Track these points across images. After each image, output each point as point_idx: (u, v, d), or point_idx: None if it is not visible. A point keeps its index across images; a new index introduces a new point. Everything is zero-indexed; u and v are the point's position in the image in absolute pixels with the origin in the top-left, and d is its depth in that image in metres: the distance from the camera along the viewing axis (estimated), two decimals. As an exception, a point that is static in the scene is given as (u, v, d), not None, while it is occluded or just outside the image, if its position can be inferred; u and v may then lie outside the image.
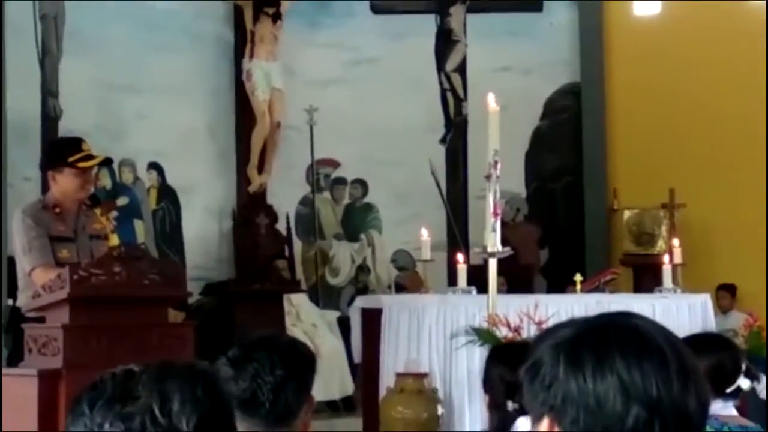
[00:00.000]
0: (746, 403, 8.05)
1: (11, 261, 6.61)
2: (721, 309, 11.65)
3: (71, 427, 1.55)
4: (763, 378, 8.38)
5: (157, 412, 1.51)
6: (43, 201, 6.08)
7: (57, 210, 5.90)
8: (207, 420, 1.53)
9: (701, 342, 3.90)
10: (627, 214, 13.10)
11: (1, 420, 4.63)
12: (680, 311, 8.80)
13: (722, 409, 4.07)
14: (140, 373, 1.56)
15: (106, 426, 1.51)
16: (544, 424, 1.72)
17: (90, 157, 5.98)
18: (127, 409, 1.51)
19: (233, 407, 1.64)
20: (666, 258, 9.81)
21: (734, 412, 4.15)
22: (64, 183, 5.92)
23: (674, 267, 9.62)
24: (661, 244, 12.35)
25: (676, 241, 10.49)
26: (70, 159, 5.91)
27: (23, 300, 5.65)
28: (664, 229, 12.71)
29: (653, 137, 13.00)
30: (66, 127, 10.51)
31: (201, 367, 1.64)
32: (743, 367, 4.08)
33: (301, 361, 2.97)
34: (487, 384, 3.92)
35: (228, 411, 1.60)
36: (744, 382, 4.06)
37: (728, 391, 3.96)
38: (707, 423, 3.90)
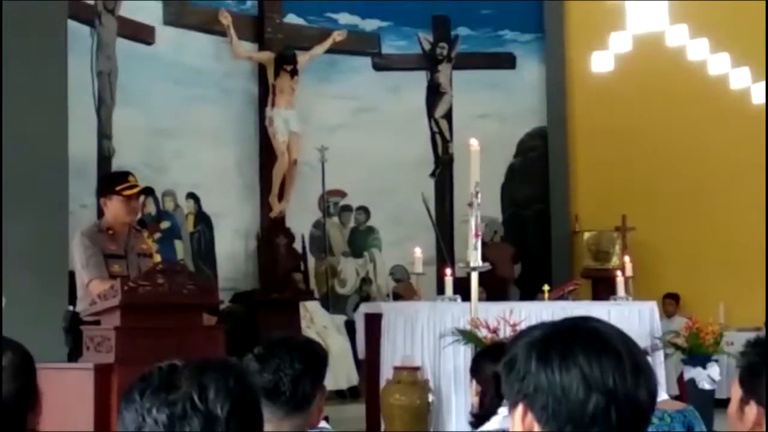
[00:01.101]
0: (686, 390, 8.06)
1: (71, 274, 6.59)
2: (667, 314, 11.65)
3: (124, 412, 1.54)
4: (701, 371, 8.38)
5: (196, 399, 1.50)
6: (99, 225, 6.07)
7: (110, 232, 5.90)
8: (238, 406, 1.52)
9: None
10: (586, 235, 13.11)
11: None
12: (631, 316, 8.77)
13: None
14: (182, 367, 1.56)
15: (154, 411, 1.50)
16: (519, 410, 1.71)
17: (134, 186, 5.98)
18: (171, 396, 1.51)
19: (259, 396, 1.62)
20: (619, 272, 9.78)
21: (665, 395, 4.12)
22: (114, 208, 5.92)
23: (626, 279, 9.58)
24: (615, 261, 12.34)
25: (627, 258, 10.46)
26: (118, 188, 5.92)
27: (81, 306, 5.64)
28: (617, 248, 12.72)
29: (608, 172, 13.01)
30: (118, 164, 10.50)
31: (232, 362, 1.63)
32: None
33: (315, 357, 2.96)
34: (479, 375, 3.88)
35: (255, 399, 1.59)
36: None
37: None
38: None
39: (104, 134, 10.90)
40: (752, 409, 2.17)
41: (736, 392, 2.22)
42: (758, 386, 2.16)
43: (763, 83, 10.95)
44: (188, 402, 1.50)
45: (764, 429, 2.15)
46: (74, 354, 5.44)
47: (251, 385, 1.59)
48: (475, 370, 3.99)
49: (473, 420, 3.82)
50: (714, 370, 8.35)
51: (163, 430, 1.49)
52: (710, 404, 7.89)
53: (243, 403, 1.53)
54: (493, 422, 3.78)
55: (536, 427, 1.68)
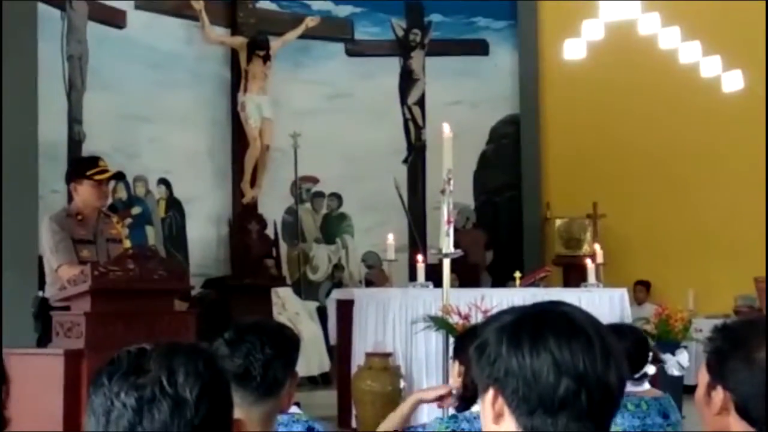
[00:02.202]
0: (657, 376, 8.10)
1: (41, 260, 6.55)
2: (638, 301, 11.73)
3: (93, 396, 1.53)
4: (670, 357, 8.43)
5: (165, 383, 1.49)
6: (68, 209, 6.02)
7: (79, 217, 5.85)
8: (207, 390, 1.51)
9: (613, 331, 3.87)
10: (558, 222, 13.16)
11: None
12: (602, 302, 8.82)
13: (633, 385, 4.06)
14: (151, 351, 1.55)
15: (122, 395, 1.49)
16: (490, 394, 1.71)
17: (104, 171, 5.93)
18: (140, 380, 1.50)
19: (229, 380, 1.62)
20: (590, 259, 9.83)
21: (646, 386, 4.15)
22: (84, 193, 5.87)
23: (597, 266, 9.63)
24: (585, 248, 12.40)
25: (598, 245, 10.51)
26: (88, 173, 5.87)
27: (51, 292, 5.60)
28: (588, 235, 12.78)
29: (580, 159, 13.07)
30: (88, 149, 10.44)
31: (202, 346, 1.62)
32: (650, 355, 4.05)
33: (286, 342, 2.94)
34: (462, 356, 3.88)
35: (225, 383, 1.59)
36: (650, 368, 4.05)
37: (636, 376, 3.95)
38: (628, 401, 3.91)
39: (75, 119, 10.83)
40: (719, 395, 2.18)
41: (703, 378, 2.24)
42: (725, 372, 2.18)
43: (735, 72, 11.02)
44: (157, 386, 1.49)
45: (730, 413, 2.17)
46: (44, 340, 5.40)
47: (221, 369, 1.59)
48: (459, 351, 3.99)
49: (459, 403, 3.82)
50: (683, 356, 8.39)
51: (132, 414, 1.48)
52: (679, 390, 7.94)
53: (212, 386, 1.52)
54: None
55: (507, 411, 1.68)
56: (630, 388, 3.99)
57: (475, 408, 3.86)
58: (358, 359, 8.31)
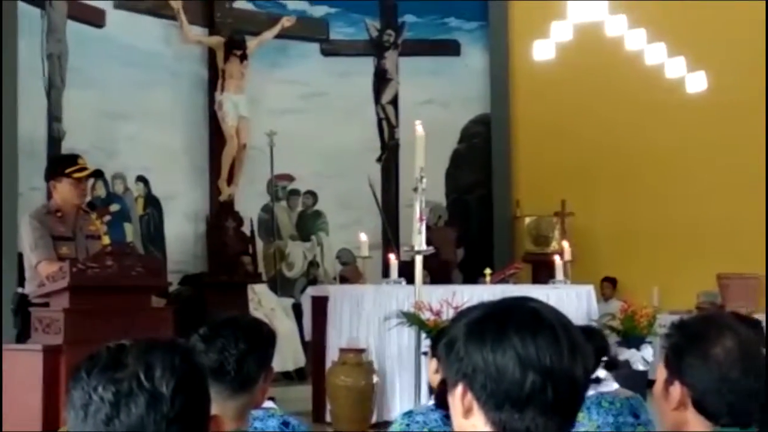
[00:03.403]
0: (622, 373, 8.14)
1: (20, 256, 6.52)
2: (604, 297, 11.78)
3: (72, 390, 1.53)
4: (635, 352, 8.50)
5: (142, 377, 1.49)
6: (47, 206, 6.00)
7: (58, 214, 5.83)
8: (183, 385, 1.51)
9: None
10: (527, 220, 13.20)
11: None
12: (569, 298, 8.88)
13: (606, 386, 4.10)
14: (129, 346, 1.54)
15: (100, 389, 1.49)
16: (459, 389, 1.71)
17: (83, 169, 5.91)
18: (118, 374, 1.50)
19: (206, 375, 1.63)
20: (558, 256, 9.89)
21: (615, 385, 4.18)
22: (63, 191, 5.85)
23: (565, 263, 9.70)
24: (554, 245, 12.44)
25: (566, 243, 10.58)
26: (67, 171, 5.85)
27: (30, 288, 5.57)
28: (557, 233, 12.82)
29: (549, 158, 13.11)
30: (68, 147, 10.38)
31: (180, 342, 1.62)
32: (603, 359, 4.07)
33: (261, 337, 2.93)
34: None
35: (202, 378, 1.58)
36: (601, 372, 4.06)
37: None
38: (602, 398, 3.94)
39: (54, 116, 10.77)
40: (676, 389, 2.20)
41: (661, 373, 2.25)
42: (682, 367, 2.20)
43: (699, 73, 11.10)
44: (134, 380, 1.49)
45: (688, 408, 2.19)
46: (23, 336, 5.38)
47: (198, 365, 1.58)
48: (436, 348, 3.99)
49: (438, 402, 3.80)
50: (647, 351, 8.47)
51: (109, 408, 1.48)
52: (643, 384, 7.99)
53: (189, 381, 1.53)
54: None
55: (476, 406, 1.68)
56: (602, 388, 4.04)
57: (426, 401, 3.89)
58: (332, 355, 8.32)
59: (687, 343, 2.20)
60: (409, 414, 3.78)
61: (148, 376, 1.49)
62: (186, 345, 1.62)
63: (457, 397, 1.71)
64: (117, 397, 1.48)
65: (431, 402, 3.87)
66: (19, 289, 5.87)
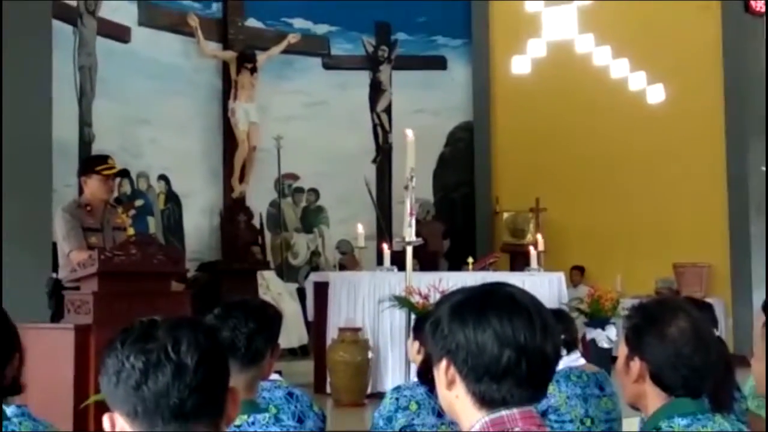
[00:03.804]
0: (588, 349, 8.17)
1: (54, 245, 6.50)
2: (573, 283, 11.79)
3: (106, 358, 1.54)
4: (600, 332, 8.49)
5: (170, 349, 1.50)
6: (78, 201, 5.98)
7: (88, 208, 5.81)
8: (205, 358, 1.51)
9: None
10: (505, 215, 13.22)
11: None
12: (542, 284, 8.89)
13: (575, 361, 4.10)
14: (160, 322, 1.55)
15: (131, 358, 1.50)
16: (443, 364, 1.72)
17: (111, 168, 5.90)
18: (148, 346, 1.50)
19: (226, 351, 1.63)
20: (532, 247, 9.89)
21: (583, 361, 4.19)
22: (93, 186, 5.83)
23: (538, 253, 9.69)
24: (529, 237, 12.44)
25: (540, 235, 10.57)
26: (97, 168, 5.83)
27: (63, 274, 5.56)
28: (531, 226, 12.83)
29: (525, 160, 13.12)
30: (97, 149, 10.36)
31: (204, 321, 1.63)
32: (562, 337, 4.04)
33: (268, 318, 2.93)
34: (421, 336, 3.86)
35: (222, 353, 1.59)
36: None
37: None
38: (571, 372, 3.95)
39: (85, 122, 10.75)
40: (636, 364, 2.21)
41: (622, 350, 2.26)
42: (641, 345, 2.20)
43: (658, 85, 11.11)
44: (162, 352, 1.49)
45: (646, 381, 2.20)
46: (56, 316, 5.36)
47: (219, 342, 1.59)
48: (418, 331, 3.98)
49: (420, 379, 3.78)
50: (611, 331, 8.47)
51: (139, 375, 1.49)
52: (608, 361, 8.01)
53: (211, 356, 1.53)
54: None
55: (458, 379, 1.69)
56: (571, 363, 4.04)
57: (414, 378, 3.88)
58: (332, 333, 8.32)
59: (645, 323, 2.21)
60: (397, 389, 3.78)
61: (175, 349, 1.50)
62: (209, 324, 1.62)
63: (441, 371, 1.72)
64: (146, 365, 1.49)
65: (416, 378, 3.86)
66: (53, 275, 5.85)
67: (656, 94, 11.12)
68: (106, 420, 1.53)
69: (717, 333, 3.19)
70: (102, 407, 1.55)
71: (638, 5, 12.06)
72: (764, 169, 12.01)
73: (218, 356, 1.56)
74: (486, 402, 1.67)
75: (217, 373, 1.55)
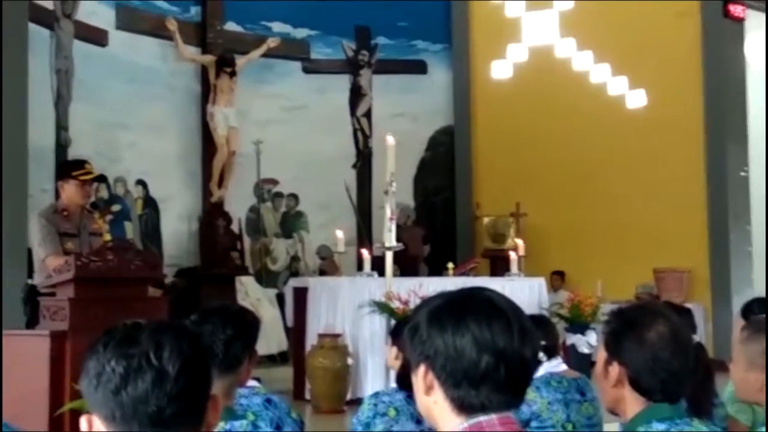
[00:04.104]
0: (568, 354, 8.20)
1: (30, 251, 6.45)
2: (554, 288, 11.81)
3: (88, 360, 1.52)
4: (580, 337, 8.52)
5: (152, 356, 1.49)
6: (55, 206, 5.94)
7: (65, 213, 5.78)
8: (188, 366, 1.50)
9: None
10: (486, 220, 13.23)
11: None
12: (523, 290, 8.90)
13: (555, 367, 4.11)
14: (144, 326, 1.54)
15: (113, 362, 1.49)
16: (421, 369, 1.72)
17: (89, 173, 5.86)
18: (130, 350, 1.49)
19: (210, 359, 1.61)
20: (513, 252, 9.90)
21: (564, 366, 4.20)
22: (69, 192, 5.80)
23: (519, 258, 9.71)
24: (509, 242, 12.44)
25: (520, 240, 10.59)
26: (74, 174, 5.80)
27: (38, 279, 5.52)
28: (512, 231, 12.84)
29: (505, 165, 13.16)
30: (74, 154, 10.28)
31: (189, 327, 1.61)
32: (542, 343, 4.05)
33: (246, 324, 2.92)
34: (400, 341, 3.85)
35: (205, 361, 1.57)
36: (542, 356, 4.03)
37: None
38: (552, 378, 3.97)
39: (62, 126, 10.68)
40: (614, 369, 2.22)
41: (601, 355, 2.27)
42: (619, 349, 2.21)
43: (639, 90, 11.17)
44: (144, 358, 1.48)
45: (624, 385, 2.21)
46: (32, 322, 5.33)
47: (203, 350, 1.57)
48: (396, 337, 3.98)
49: (399, 384, 3.78)
50: (591, 336, 8.50)
51: (119, 380, 1.48)
52: (588, 366, 8.03)
53: (193, 364, 1.52)
54: None
55: (436, 384, 1.69)
56: (552, 369, 4.05)
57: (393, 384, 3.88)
58: (311, 339, 8.30)
59: (624, 328, 2.22)
60: (376, 395, 3.78)
61: (157, 356, 1.49)
62: (195, 331, 1.61)
63: (419, 376, 1.72)
64: (127, 370, 1.48)
65: (395, 384, 3.87)
66: (29, 281, 5.81)
67: (636, 99, 11.18)
68: (83, 421, 1.53)
69: (696, 338, 3.21)
70: (77, 414, 1.54)
71: (619, 11, 12.13)
72: (743, 174, 12.12)
73: (201, 364, 1.54)
74: (464, 407, 1.67)
75: (199, 381, 1.53)
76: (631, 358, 2.18)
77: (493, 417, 1.66)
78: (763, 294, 4.31)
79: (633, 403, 2.18)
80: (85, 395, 1.53)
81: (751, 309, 3.81)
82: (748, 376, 2.65)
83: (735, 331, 3.18)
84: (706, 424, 2.21)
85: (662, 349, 2.16)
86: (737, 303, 9.81)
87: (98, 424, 1.51)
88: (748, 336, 2.68)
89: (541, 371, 3.99)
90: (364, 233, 11.69)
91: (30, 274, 6.14)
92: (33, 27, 10.01)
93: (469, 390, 1.66)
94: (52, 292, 5.08)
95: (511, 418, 1.68)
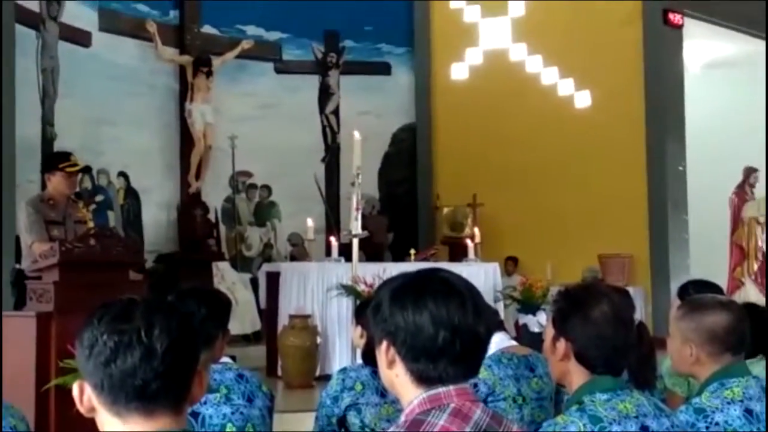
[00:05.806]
0: (520, 333, 8.25)
1: (18, 237, 6.37)
2: (508, 273, 11.86)
3: (84, 332, 1.52)
4: (531, 317, 8.56)
5: (142, 333, 1.48)
6: (42, 195, 5.90)
7: (51, 202, 5.74)
8: (175, 345, 1.49)
9: None
10: (445, 210, 13.26)
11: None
12: (479, 274, 8.93)
13: (504, 343, 4.12)
14: (138, 303, 1.53)
15: (105, 335, 1.48)
16: (383, 345, 1.72)
17: (74, 165, 5.82)
18: (122, 326, 1.48)
19: (198, 339, 1.59)
20: (470, 240, 9.94)
21: (514, 343, 4.21)
22: (56, 182, 5.76)
23: (475, 245, 9.75)
24: (467, 230, 12.50)
25: (476, 229, 10.64)
26: (60, 165, 5.77)
27: (25, 264, 5.48)
28: (469, 220, 12.89)
29: (463, 159, 13.19)
30: (59, 147, 10.15)
31: (180, 308, 1.60)
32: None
33: (218, 304, 2.94)
34: (364, 321, 3.84)
35: (193, 341, 1.56)
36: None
37: None
38: (503, 356, 3.98)
39: (48, 121, 10.56)
40: (562, 344, 2.24)
41: (549, 332, 2.29)
42: (566, 327, 2.23)
43: (584, 92, 11.25)
44: (135, 334, 1.47)
45: (570, 359, 2.22)
46: (19, 304, 5.27)
47: (192, 330, 1.56)
48: (360, 317, 3.99)
49: (364, 360, 3.79)
50: (542, 316, 8.54)
51: (109, 353, 1.47)
52: (539, 344, 8.08)
53: (181, 343, 1.51)
54: None
55: (397, 358, 1.70)
56: (503, 345, 4.07)
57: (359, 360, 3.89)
58: (283, 320, 8.29)
59: (570, 307, 2.24)
60: (343, 370, 3.79)
61: (148, 334, 1.48)
62: (185, 311, 1.59)
63: (382, 352, 1.73)
64: (118, 345, 1.47)
65: (361, 361, 3.87)
66: (17, 265, 5.75)
67: (583, 99, 11.26)
68: (75, 387, 1.53)
69: (637, 318, 3.23)
70: (62, 390, 1.53)
71: (567, 18, 12.20)
72: (681, 168, 12.27)
73: (188, 343, 1.53)
74: (423, 380, 1.68)
75: (185, 359, 1.52)
76: (577, 334, 2.20)
77: (450, 388, 1.67)
78: (697, 277, 4.38)
79: (578, 376, 2.20)
80: (78, 363, 1.53)
81: (686, 290, 3.86)
82: (684, 350, 2.68)
83: (672, 310, 3.22)
84: (644, 395, 2.23)
85: (605, 327, 2.18)
86: (675, 285, 9.95)
87: (89, 391, 1.52)
88: (684, 314, 2.72)
89: (492, 349, 4.00)
90: (332, 222, 11.67)
91: (18, 260, 6.05)
92: (20, 28, 9.89)
93: (428, 363, 1.67)
94: (38, 275, 5.02)
95: (467, 389, 1.69)
